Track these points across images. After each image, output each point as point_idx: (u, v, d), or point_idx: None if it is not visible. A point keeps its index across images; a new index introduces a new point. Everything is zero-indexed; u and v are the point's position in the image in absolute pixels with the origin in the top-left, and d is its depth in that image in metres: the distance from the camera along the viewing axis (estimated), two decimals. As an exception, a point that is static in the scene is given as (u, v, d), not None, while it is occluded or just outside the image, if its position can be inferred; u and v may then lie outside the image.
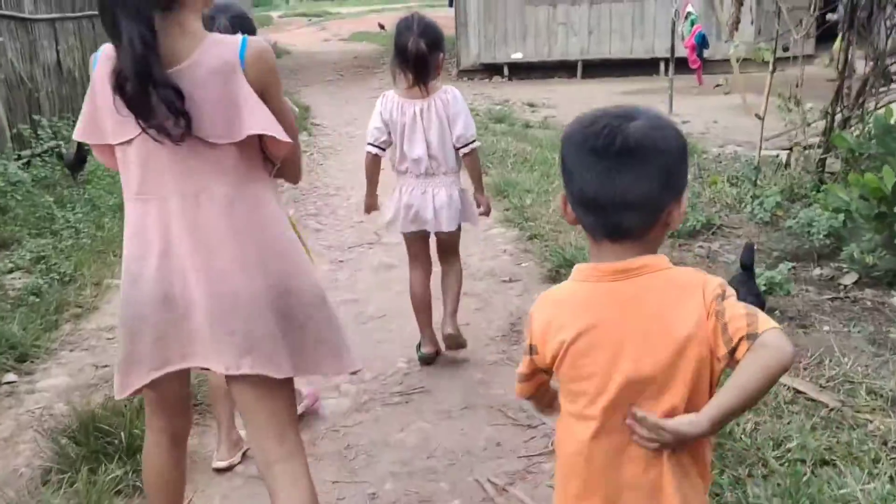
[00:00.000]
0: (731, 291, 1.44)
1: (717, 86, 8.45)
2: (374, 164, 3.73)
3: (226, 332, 1.94)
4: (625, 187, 1.40)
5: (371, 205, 3.87)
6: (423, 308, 3.86)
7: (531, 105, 12.46)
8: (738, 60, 8.34)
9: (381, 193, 3.90)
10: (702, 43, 9.12)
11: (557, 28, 15.85)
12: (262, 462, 2.05)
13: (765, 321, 1.39)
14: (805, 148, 6.79)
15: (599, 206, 1.43)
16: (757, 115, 6.69)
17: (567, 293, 1.54)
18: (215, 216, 1.94)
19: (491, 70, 16.16)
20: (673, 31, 10.83)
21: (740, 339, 1.38)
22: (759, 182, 6.22)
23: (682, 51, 14.27)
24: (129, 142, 1.93)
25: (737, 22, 6.55)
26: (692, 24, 9.65)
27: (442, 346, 3.92)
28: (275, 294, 1.98)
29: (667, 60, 15.53)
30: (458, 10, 16.23)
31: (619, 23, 15.70)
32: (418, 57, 3.47)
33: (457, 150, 3.63)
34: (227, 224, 1.94)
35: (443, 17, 21.78)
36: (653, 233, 1.46)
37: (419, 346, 3.96)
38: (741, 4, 6.35)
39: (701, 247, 5.32)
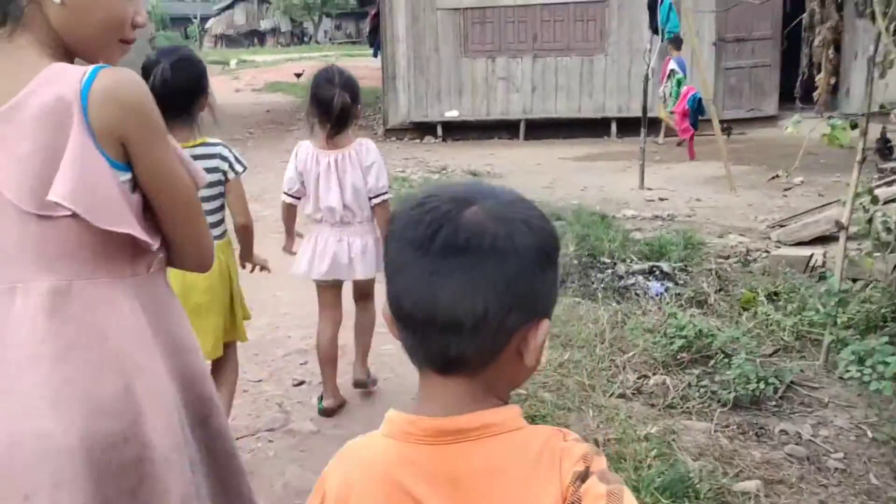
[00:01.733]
0: (598, 463, 0.99)
1: (774, 177, 6.70)
2: (289, 213, 3.77)
3: (19, 495, 1.35)
4: (450, 297, 0.96)
5: (289, 248, 3.83)
6: (328, 361, 3.83)
7: (473, 174, 10.61)
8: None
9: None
10: (697, 108, 7.38)
11: (497, 83, 14.15)
12: None
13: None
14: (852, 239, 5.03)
15: (418, 321, 1.00)
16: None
17: (374, 453, 1.06)
18: (29, 319, 1.38)
19: (422, 129, 14.32)
20: (645, 92, 9.16)
21: None
22: (824, 305, 4.39)
23: (656, 112, 13.03)
24: None
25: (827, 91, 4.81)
26: (679, 84, 7.93)
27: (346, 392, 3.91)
28: (99, 444, 1.38)
29: (618, 121, 14.13)
30: (385, 62, 14.42)
31: (566, 78, 14.10)
32: (342, 111, 3.54)
33: (370, 199, 3.69)
34: (44, 332, 1.38)
35: (365, 69, 19.97)
36: (497, 367, 1.01)
37: (321, 398, 3.87)
38: (833, 72, 4.60)
39: (785, 434, 3.43)
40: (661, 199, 8.75)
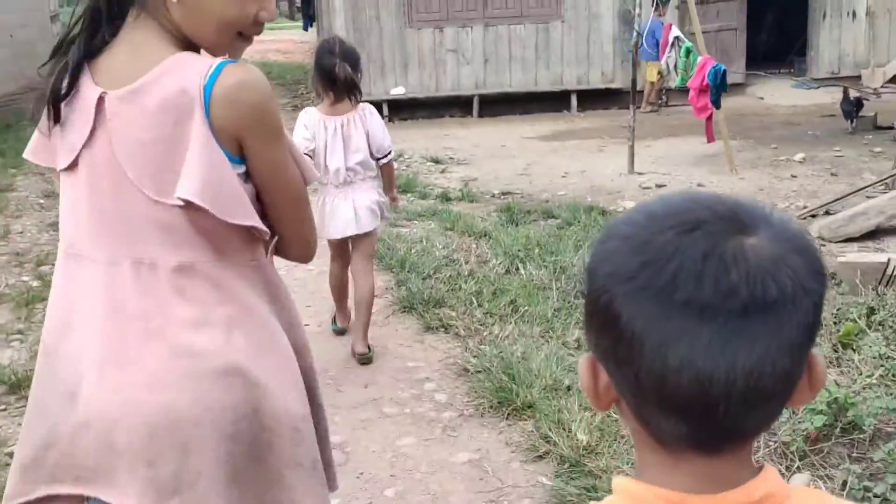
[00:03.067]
0: None
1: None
2: None
3: (141, 461, 1.40)
4: (754, 368, 0.72)
5: None
6: (340, 291, 4.33)
7: (435, 161, 9.40)
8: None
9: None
10: (721, 82, 6.30)
11: (446, 56, 12.90)
12: None
13: None
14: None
15: (700, 403, 0.73)
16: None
17: None
18: (157, 295, 1.43)
19: (366, 109, 13.00)
20: (634, 62, 8.07)
21: None
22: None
23: (646, 83, 12.08)
24: (68, 169, 1.49)
25: None
26: (688, 53, 6.82)
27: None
28: (228, 415, 1.42)
29: (578, 93, 13.04)
30: (320, 35, 12.99)
31: (521, 49, 12.93)
32: (346, 80, 3.81)
33: (377, 160, 4.03)
34: (174, 306, 1.43)
35: (290, 42, 18.57)
36: (766, 428, 0.81)
37: (334, 319, 4.45)
38: None
39: None
40: (659, 186, 7.71)
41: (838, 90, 12.32)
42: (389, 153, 4.06)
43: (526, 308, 4.37)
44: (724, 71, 6.37)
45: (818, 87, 12.94)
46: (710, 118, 6.53)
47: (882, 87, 12.66)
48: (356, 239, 4.05)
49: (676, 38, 7.13)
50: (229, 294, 1.48)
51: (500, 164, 9.14)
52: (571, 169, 8.73)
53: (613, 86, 13.04)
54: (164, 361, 1.41)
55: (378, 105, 12.98)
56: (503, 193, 7.77)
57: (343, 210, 3.97)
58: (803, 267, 0.75)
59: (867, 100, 10.44)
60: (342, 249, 4.20)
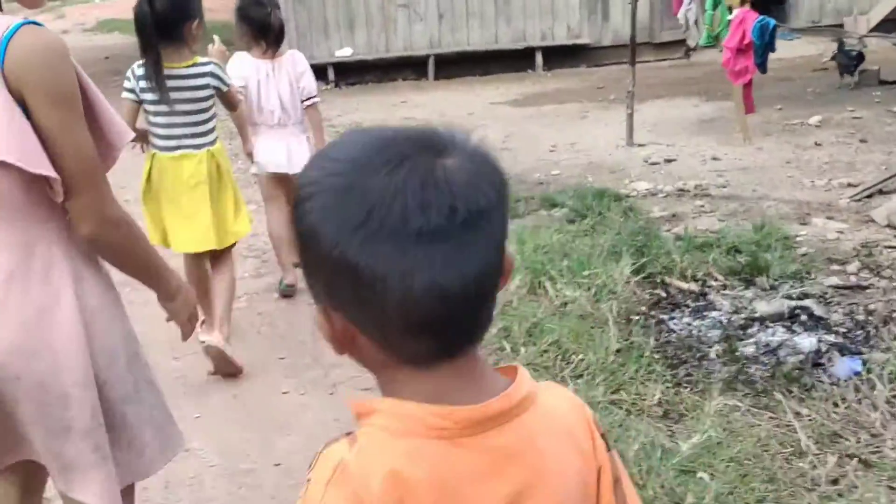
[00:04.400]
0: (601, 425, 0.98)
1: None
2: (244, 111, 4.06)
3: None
4: (480, 271, 0.82)
5: (250, 149, 4.27)
6: (281, 244, 4.38)
7: (399, 134, 8.17)
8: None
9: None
10: (770, 40, 5.19)
11: (396, 13, 11.57)
12: None
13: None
14: None
15: (444, 316, 0.82)
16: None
17: (397, 458, 0.83)
18: None
19: (309, 73, 11.64)
20: (634, 13, 6.93)
21: None
22: None
23: (651, 38, 10.84)
24: None
25: None
26: (715, 5, 5.69)
27: None
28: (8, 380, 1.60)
29: (543, 50, 11.86)
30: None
31: (479, 3, 11.66)
32: (279, 28, 4.20)
33: (302, 102, 4.31)
34: None
35: (213, 1, 16.63)
36: (491, 321, 0.91)
37: (281, 281, 4.47)
38: None
39: None
40: (668, 161, 6.64)
41: (821, 41, 11.41)
42: (315, 96, 4.39)
43: (581, 356, 3.25)
44: (775, 27, 5.27)
45: (800, 38, 11.99)
46: (749, 84, 5.43)
47: (867, 34, 11.75)
48: (288, 182, 4.21)
49: (698, -16, 5.98)
50: (38, 257, 1.59)
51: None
52: (558, 141, 7.60)
53: (581, 41, 11.90)
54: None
55: (322, 68, 11.71)
56: (487, 174, 6.60)
57: (278, 149, 4.27)
58: (493, 177, 0.85)
59: (862, 51, 9.47)
60: (276, 190, 4.38)
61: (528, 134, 7.96)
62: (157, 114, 3.48)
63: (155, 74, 3.35)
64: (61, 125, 1.53)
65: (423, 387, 0.86)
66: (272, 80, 4.17)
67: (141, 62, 3.43)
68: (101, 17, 22.67)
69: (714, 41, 5.85)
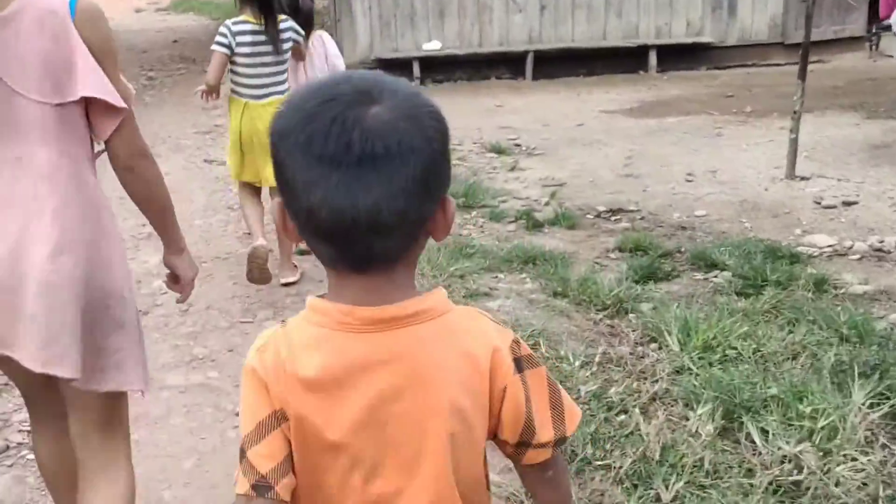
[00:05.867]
0: (526, 348, 1.15)
1: None
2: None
3: (14, 317, 1.73)
4: (372, 203, 0.99)
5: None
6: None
7: (497, 151, 6.86)
8: None
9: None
10: None
11: (493, 2, 10.25)
12: (81, 457, 1.92)
13: (571, 416, 1.17)
14: None
15: (339, 232, 1.02)
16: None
17: (310, 337, 1.10)
18: (33, 183, 1.76)
19: (392, 68, 10.26)
20: (811, 10, 5.51)
21: (541, 444, 1.16)
22: None
23: (784, 37, 9.26)
24: None
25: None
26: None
27: None
28: (82, 285, 1.77)
29: (659, 49, 10.41)
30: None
31: (586, -7, 10.27)
32: (308, 12, 4.50)
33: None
34: (46, 193, 1.76)
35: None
36: (413, 253, 1.10)
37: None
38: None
39: None
40: (848, 204, 5.19)
41: None
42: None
43: None
44: None
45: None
46: None
47: None
48: None
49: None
50: (88, 181, 1.82)
51: (589, 157, 6.61)
52: (694, 167, 6.20)
53: (702, 39, 10.43)
54: (41, 238, 1.72)
55: (407, 63, 10.47)
56: (611, 212, 5.28)
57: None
58: (411, 130, 0.99)
59: None
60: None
61: (653, 155, 6.57)
62: (249, 65, 4.09)
63: (274, 30, 4.05)
64: (109, 73, 1.79)
65: (342, 291, 1.08)
66: (308, 59, 4.51)
67: (236, 19, 4.08)
68: (179, -5, 21.81)
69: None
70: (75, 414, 1.90)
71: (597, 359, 3.18)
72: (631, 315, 3.75)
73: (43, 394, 1.96)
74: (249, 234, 4.31)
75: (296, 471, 1.10)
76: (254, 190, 4.34)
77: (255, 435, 1.08)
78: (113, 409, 1.91)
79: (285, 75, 4.15)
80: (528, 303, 3.82)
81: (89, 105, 1.77)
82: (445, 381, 1.07)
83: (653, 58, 10.30)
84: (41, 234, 1.71)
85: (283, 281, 4.24)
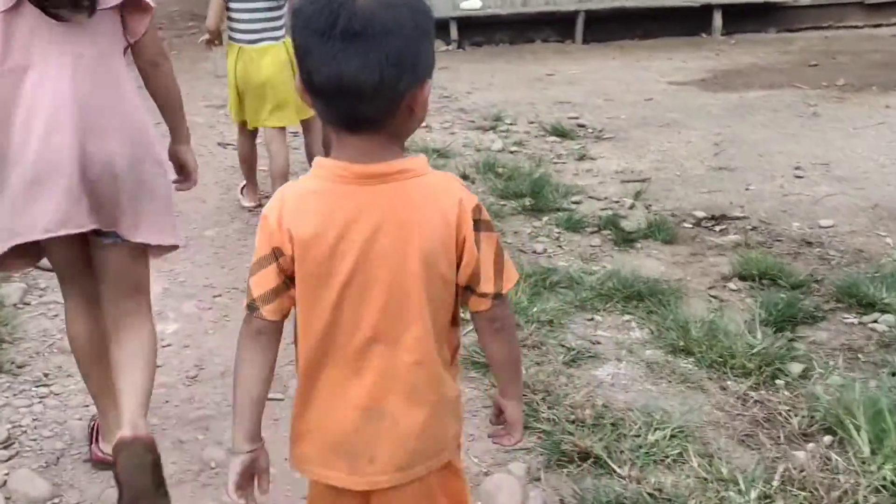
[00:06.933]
0: (486, 213, 1.40)
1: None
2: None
3: (86, 191, 2.04)
4: (353, 74, 1.25)
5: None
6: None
7: (560, 133, 5.83)
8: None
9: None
10: None
11: (539, -45, 9.15)
12: (110, 316, 2.22)
13: (509, 277, 1.42)
14: None
15: (329, 93, 1.30)
16: None
17: (313, 188, 1.39)
18: (88, 78, 2.05)
19: (425, 29, 9.30)
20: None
21: (485, 294, 1.40)
22: None
23: None
24: (11, 10, 2.00)
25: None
26: None
27: None
28: (129, 160, 2.10)
29: (724, 9, 9.29)
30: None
31: (644, -55, 9.14)
32: None
33: None
34: (100, 84, 2.06)
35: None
36: (396, 121, 1.33)
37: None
38: None
39: None
40: None
41: None
42: None
43: None
44: None
45: None
46: None
47: None
48: None
49: None
50: (123, 72, 2.13)
51: (669, 143, 5.60)
52: (800, 157, 5.19)
53: (773, -3, 9.31)
54: (99, 124, 2.05)
55: (444, 24, 9.37)
56: (713, 219, 4.30)
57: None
58: (386, 16, 1.23)
59: None
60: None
61: (746, 141, 5.56)
62: (243, 10, 4.09)
63: None
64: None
65: (341, 152, 1.34)
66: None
67: None
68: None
69: None
70: (109, 282, 2.20)
71: (775, 482, 2.23)
72: (777, 381, 2.82)
73: (79, 276, 2.24)
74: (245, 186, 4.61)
75: (297, 299, 1.38)
76: (252, 138, 4.48)
77: (256, 266, 1.39)
78: (141, 276, 2.24)
79: (281, 21, 4.13)
80: (647, 369, 2.89)
81: (124, 8, 2.07)
82: (422, 227, 1.33)
83: (717, 18, 9.20)
84: (106, 126, 2.05)
85: (245, 204, 4.55)
